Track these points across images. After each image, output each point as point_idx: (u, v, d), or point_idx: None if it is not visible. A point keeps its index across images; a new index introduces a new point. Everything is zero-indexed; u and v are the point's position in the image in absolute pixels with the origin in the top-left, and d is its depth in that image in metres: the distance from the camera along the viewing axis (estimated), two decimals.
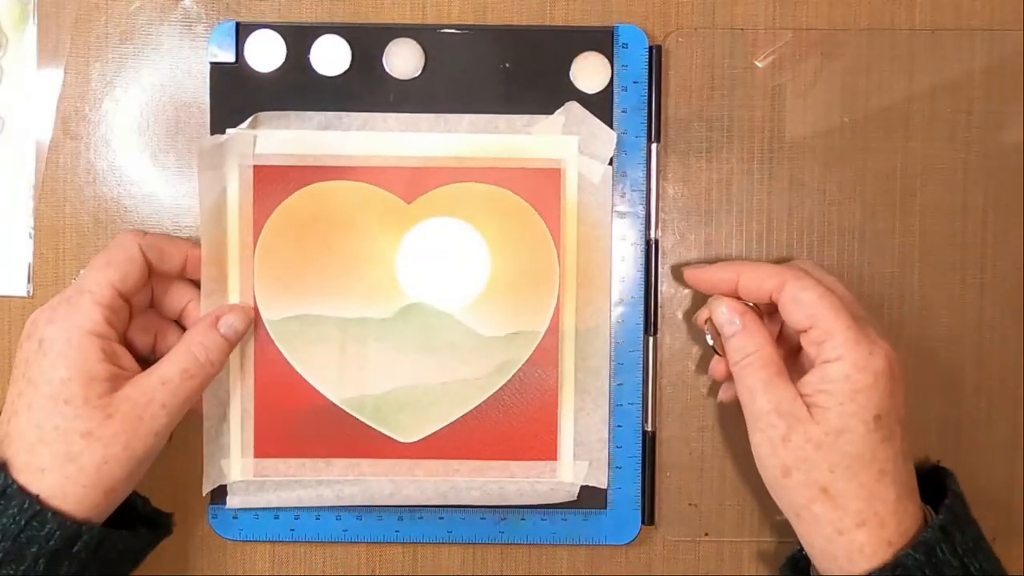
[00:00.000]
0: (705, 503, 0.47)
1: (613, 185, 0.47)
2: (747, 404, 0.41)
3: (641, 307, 0.47)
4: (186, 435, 0.47)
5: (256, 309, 0.46)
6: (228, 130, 0.46)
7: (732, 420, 0.47)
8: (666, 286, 0.47)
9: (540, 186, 0.46)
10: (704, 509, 0.48)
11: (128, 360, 0.42)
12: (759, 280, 0.42)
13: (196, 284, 0.46)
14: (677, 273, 0.47)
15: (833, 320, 0.39)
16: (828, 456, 0.39)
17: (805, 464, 0.39)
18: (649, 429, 0.47)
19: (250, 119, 0.46)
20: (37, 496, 0.38)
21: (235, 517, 0.47)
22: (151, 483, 0.46)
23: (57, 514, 0.38)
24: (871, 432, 0.39)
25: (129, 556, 0.42)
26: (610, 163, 0.46)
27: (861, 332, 0.39)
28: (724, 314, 0.42)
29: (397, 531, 0.47)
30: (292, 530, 0.47)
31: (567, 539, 0.47)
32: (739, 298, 0.43)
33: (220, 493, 0.47)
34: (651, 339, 0.47)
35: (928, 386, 0.47)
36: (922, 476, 0.43)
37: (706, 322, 0.44)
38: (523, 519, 0.47)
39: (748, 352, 0.41)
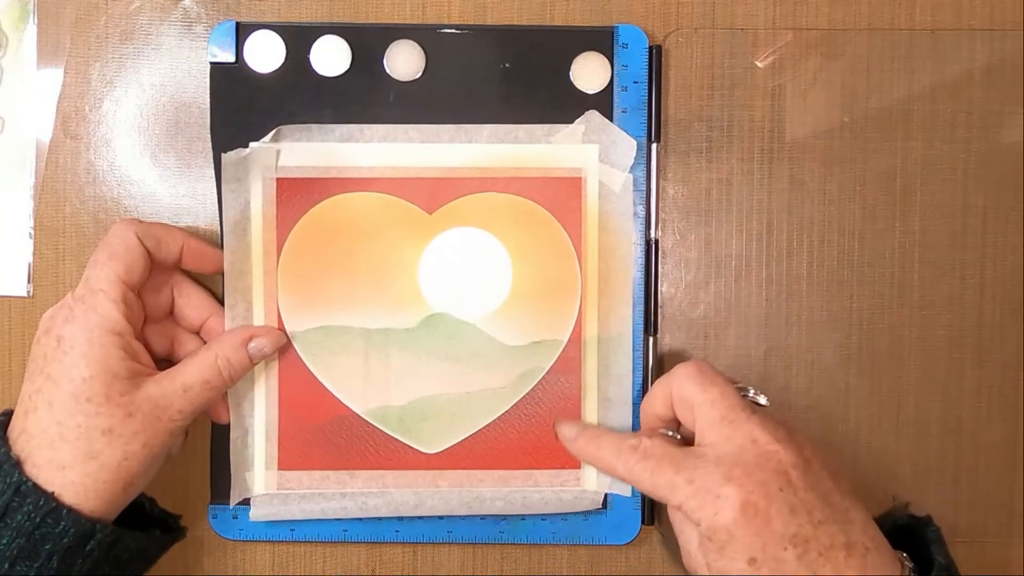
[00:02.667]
0: None
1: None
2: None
3: (641, 307, 0.47)
4: (188, 434, 0.47)
5: (280, 320, 0.46)
6: (251, 143, 0.46)
7: None
8: (666, 286, 0.47)
9: (561, 195, 0.46)
10: None
11: (145, 356, 0.42)
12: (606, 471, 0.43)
13: (217, 298, 0.46)
14: (674, 277, 0.47)
15: (672, 498, 0.39)
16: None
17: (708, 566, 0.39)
18: None
19: (272, 132, 0.46)
20: (52, 493, 0.39)
21: (235, 517, 0.47)
22: (152, 483, 0.46)
23: (72, 512, 0.39)
24: (744, 534, 0.37)
25: (141, 558, 0.42)
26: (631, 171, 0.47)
27: (700, 492, 0.38)
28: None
29: (397, 531, 0.47)
30: (292, 530, 0.47)
31: (567, 539, 0.47)
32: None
33: (221, 493, 0.47)
34: (651, 339, 0.47)
35: (928, 386, 0.47)
36: (906, 527, 0.42)
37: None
38: (523, 519, 0.47)
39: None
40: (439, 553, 0.48)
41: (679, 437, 0.43)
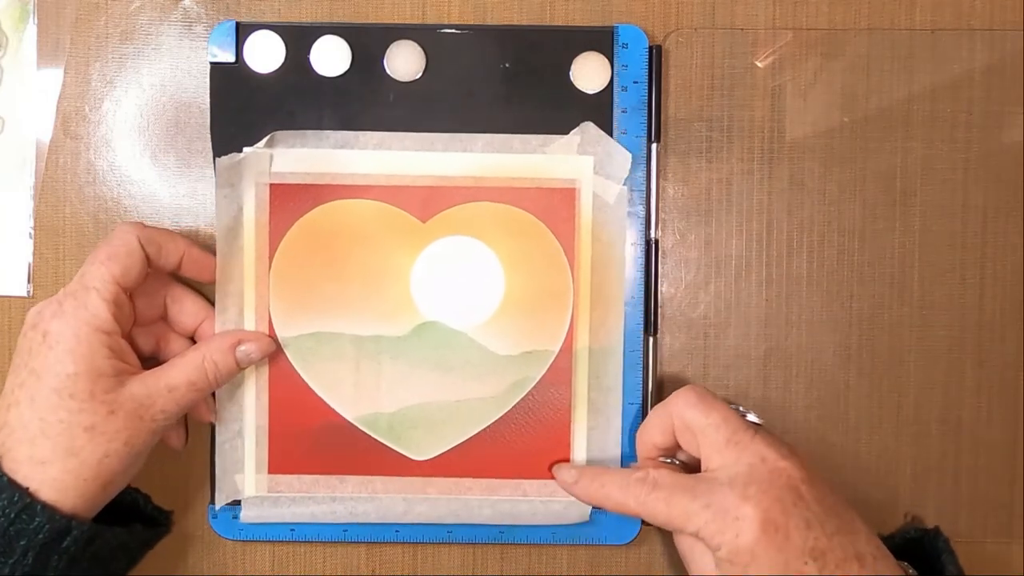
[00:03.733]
0: None
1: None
2: None
3: (641, 307, 0.47)
4: (188, 435, 0.47)
5: (271, 326, 0.46)
6: (245, 148, 0.46)
7: None
8: (666, 286, 0.47)
9: (555, 206, 0.46)
10: None
11: (131, 356, 0.42)
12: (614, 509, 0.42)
13: (211, 303, 0.46)
14: (674, 277, 0.47)
15: (689, 526, 0.39)
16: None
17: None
18: None
19: (266, 138, 0.46)
20: (27, 489, 0.38)
21: (235, 517, 0.47)
22: (152, 483, 0.46)
23: (47, 507, 0.38)
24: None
25: (123, 554, 0.42)
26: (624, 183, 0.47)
27: (719, 516, 0.38)
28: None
29: (397, 531, 0.47)
30: (292, 530, 0.47)
31: (567, 539, 0.47)
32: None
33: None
34: (651, 339, 0.47)
35: (928, 386, 0.47)
36: (916, 540, 0.43)
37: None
38: None
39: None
40: (439, 553, 0.48)
41: (679, 463, 0.43)
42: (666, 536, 0.48)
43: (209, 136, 0.47)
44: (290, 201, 0.46)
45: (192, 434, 0.47)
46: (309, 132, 0.46)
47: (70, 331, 0.40)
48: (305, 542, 0.48)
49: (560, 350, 0.47)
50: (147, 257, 0.42)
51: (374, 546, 0.48)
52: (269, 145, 0.46)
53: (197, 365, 0.42)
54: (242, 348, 0.44)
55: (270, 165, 0.46)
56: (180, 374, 0.42)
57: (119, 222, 0.45)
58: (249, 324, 0.46)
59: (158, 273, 0.44)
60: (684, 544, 0.41)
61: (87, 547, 0.40)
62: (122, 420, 0.40)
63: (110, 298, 0.41)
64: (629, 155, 0.46)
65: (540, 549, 0.48)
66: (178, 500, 0.47)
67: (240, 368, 0.44)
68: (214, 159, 0.46)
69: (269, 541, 0.48)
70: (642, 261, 0.47)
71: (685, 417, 0.41)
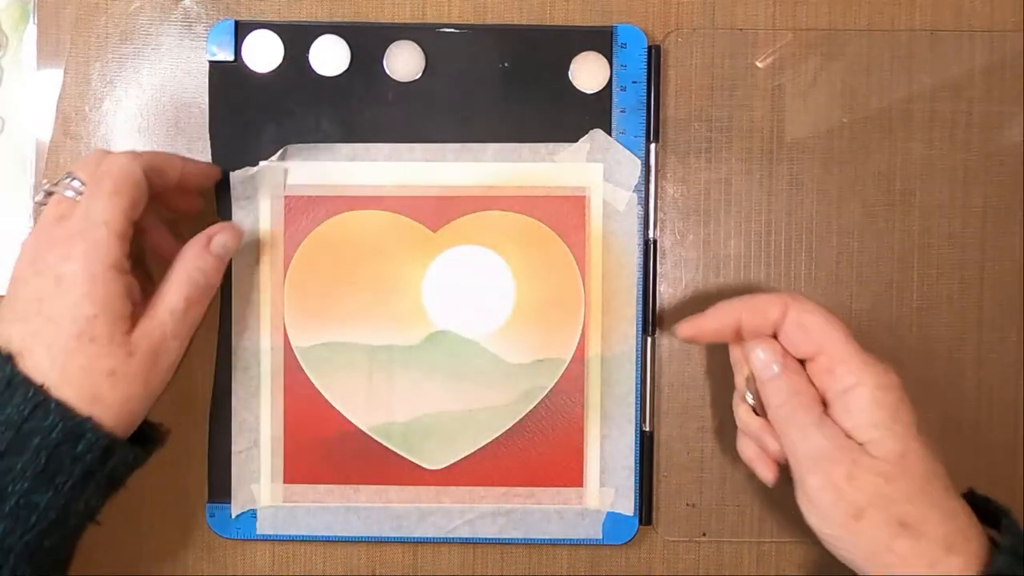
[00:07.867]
0: (704, 503, 0.47)
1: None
2: (798, 445, 0.39)
3: (640, 307, 0.47)
4: (186, 434, 0.47)
5: (286, 336, 0.46)
6: (260, 162, 0.46)
7: (731, 421, 0.47)
8: (665, 286, 0.47)
9: (565, 214, 0.47)
10: (703, 509, 0.48)
11: (138, 293, 0.41)
12: (762, 310, 0.40)
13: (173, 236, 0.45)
14: (673, 277, 0.47)
15: (842, 345, 0.38)
16: (901, 486, 0.37)
17: (881, 500, 0.37)
18: (647, 429, 0.47)
19: (280, 151, 0.46)
20: (42, 385, 0.37)
21: (233, 516, 0.47)
22: (150, 482, 0.46)
23: (60, 404, 0.37)
24: (924, 446, 0.37)
25: (126, 472, 0.41)
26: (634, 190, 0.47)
27: (868, 354, 0.38)
28: (761, 359, 0.40)
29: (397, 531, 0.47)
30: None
31: (567, 539, 0.47)
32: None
33: (218, 492, 0.47)
34: (650, 339, 0.47)
35: (928, 386, 0.47)
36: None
37: (747, 380, 0.42)
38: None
39: (796, 392, 0.39)
40: (439, 553, 0.48)
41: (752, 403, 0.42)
42: (664, 537, 0.48)
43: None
44: (304, 213, 0.46)
45: (191, 433, 0.47)
46: (322, 145, 0.46)
47: (85, 272, 0.38)
48: (305, 542, 0.48)
49: (572, 358, 0.47)
50: (150, 184, 0.41)
51: (374, 546, 0.48)
52: (283, 158, 0.46)
53: (186, 279, 0.41)
54: (215, 241, 0.42)
55: (285, 178, 0.46)
56: (174, 294, 0.40)
57: (112, 152, 0.42)
58: (264, 334, 0.47)
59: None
60: (810, 413, 0.39)
61: (104, 460, 0.38)
62: (139, 362, 0.39)
63: (122, 233, 0.39)
64: (638, 162, 0.46)
65: (540, 549, 0.48)
66: (178, 499, 0.47)
67: (223, 262, 0.43)
68: (212, 158, 0.46)
69: (268, 541, 0.48)
70: (641, 261, 0.47)
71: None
